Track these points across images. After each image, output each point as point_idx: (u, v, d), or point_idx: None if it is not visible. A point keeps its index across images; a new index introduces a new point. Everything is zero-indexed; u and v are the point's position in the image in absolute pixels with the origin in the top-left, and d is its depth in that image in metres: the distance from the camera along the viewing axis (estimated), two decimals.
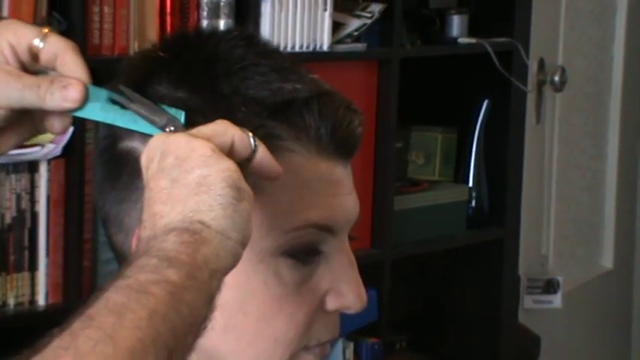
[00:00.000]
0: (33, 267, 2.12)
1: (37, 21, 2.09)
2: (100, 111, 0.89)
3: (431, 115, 2.97)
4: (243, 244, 0.81)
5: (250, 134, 0.84)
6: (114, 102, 0.89)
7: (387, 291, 2.66)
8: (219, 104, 0.90)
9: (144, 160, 0.84)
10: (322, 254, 0.93)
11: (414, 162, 2.95)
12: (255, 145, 0.84)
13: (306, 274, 0.92)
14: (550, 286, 3.40)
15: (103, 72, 0.91)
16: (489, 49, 2.79)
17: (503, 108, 2.91)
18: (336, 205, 0.92)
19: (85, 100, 0.88)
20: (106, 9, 2.17)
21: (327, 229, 0.92)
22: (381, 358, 2.73)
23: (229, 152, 0.83)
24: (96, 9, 2.16)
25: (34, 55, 0.89)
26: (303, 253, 0.91)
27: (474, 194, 2.92)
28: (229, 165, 0.81)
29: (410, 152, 2.94)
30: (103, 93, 0.90)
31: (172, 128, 0.88)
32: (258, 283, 0.91)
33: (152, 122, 0.88)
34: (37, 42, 0.88)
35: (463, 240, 2.90)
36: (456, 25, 2.84)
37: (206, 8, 2.31)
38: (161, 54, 0.95)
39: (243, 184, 0.81)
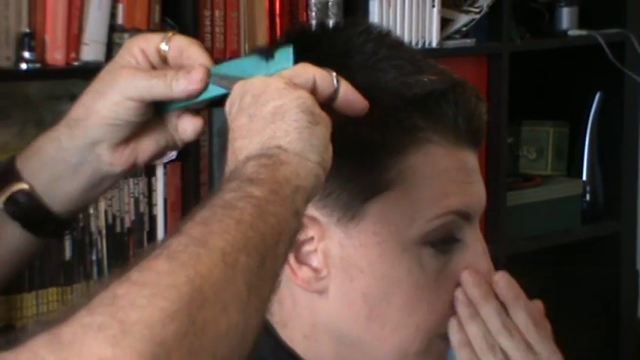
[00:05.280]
0: None
1: (150, 26, 2.12)
2: (217, 88, 0.91)
3: (542, 109, 2.94)
4: (323, 166, 0.82)
5: (333, 72, 0.85)
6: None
7: None
8: None
9: (227, 107, 0.86)
10: (458, 242, 0.95)
11: (526, 157, 2.92)
12: (338, 82, 0.86)
13: (445, 262, 0.95)
14: None
15: None
16: (601, 40, 2.75)
17: (616, 100, 2.86)
18: (472, 192, 0.95)
19: (208, 80, 0.91)
20: (216, 12, 2.19)
21: (464, 216, 0.94)
22: None
23: (312, 91, 0.84)
24: (207, 13, 2.18)
25: (163, 57, 0.94)
26: (442, 241, 0.94)
27: (588, 188, 2.88)
28: (302, 93, 0.83)
29: (521, 147, 2.91)
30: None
31: None
32: (402, 273, 0.93)
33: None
34: (163, 45, 0.94)
35: (579, 235, 2.86)
36: (566, 17, 2.80)
37: (315, 8, 2.32)
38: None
39: (317, 110, 0.82)
